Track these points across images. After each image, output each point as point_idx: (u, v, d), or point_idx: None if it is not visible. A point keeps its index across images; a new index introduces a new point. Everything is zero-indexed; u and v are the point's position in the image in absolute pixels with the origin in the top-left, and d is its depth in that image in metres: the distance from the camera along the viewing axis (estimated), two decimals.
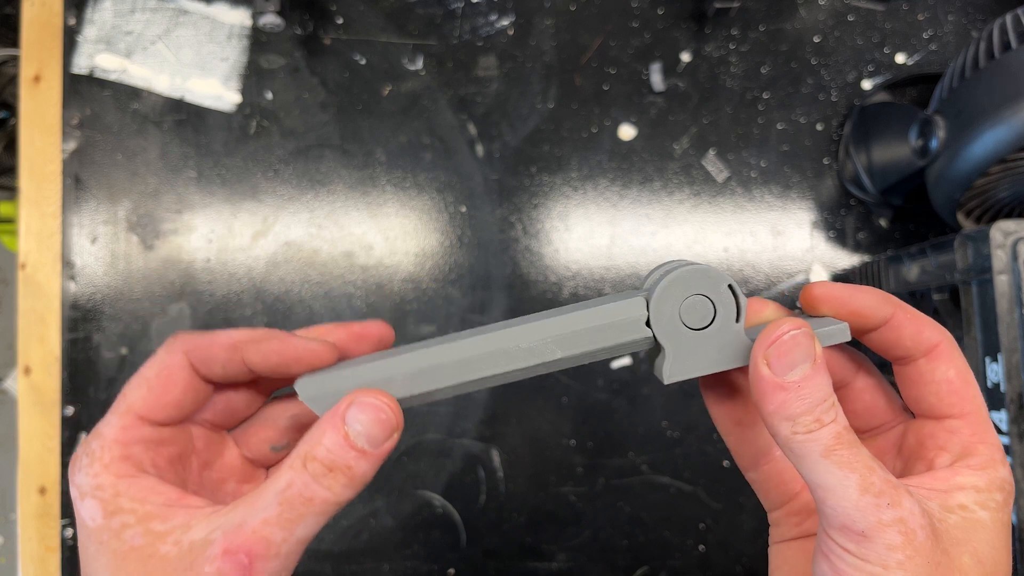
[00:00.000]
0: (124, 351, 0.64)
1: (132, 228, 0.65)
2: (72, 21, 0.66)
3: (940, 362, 0.25)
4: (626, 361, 0.64)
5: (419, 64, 0.66)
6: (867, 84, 0.67)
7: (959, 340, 0.47)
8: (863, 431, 0.28)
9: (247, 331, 0.26)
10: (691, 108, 0.66)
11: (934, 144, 0.53)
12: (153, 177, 0.65)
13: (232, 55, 0.66)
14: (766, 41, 0.67)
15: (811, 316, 0.27)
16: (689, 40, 0.67)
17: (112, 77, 0.66)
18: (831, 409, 0.23)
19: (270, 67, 0.66)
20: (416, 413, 0.64)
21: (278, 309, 0.64)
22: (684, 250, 0.65)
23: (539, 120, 0.66)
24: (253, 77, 0.66)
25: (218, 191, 0.65)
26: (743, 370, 0.27)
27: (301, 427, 0.29)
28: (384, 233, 0.65)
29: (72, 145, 0.65)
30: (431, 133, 0.66)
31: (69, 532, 0.63)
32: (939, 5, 0.68)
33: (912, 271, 0.53)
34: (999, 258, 0.43)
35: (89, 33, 0.66)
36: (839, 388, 0.28)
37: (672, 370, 0.25)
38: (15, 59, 1.31)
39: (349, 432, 0.23)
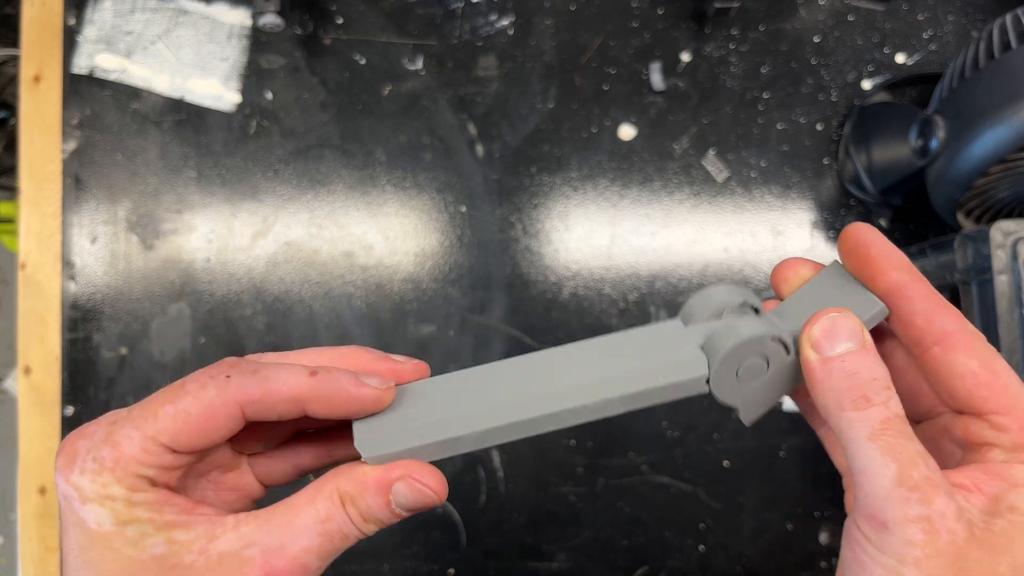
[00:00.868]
0: (124, 351, 0.64)
1: (132, 228, 0.65)
2: (72, 21, 0.66)
3: (958, 353, 0.23)
4: None
5: (419, 64, 0.66)
6: (867, 84, 0.67)
7: None
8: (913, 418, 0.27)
9: (304, 378, 0.24)
10: (691, 108, 0.66)
11: (934, 144, 0.53)
12: (153, 177, 0.65)
13: (232, 55, 0.66)
14: (766, 41, 0.67)
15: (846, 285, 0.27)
16: (689, 40, 0.67)
17: (112, 77, 0.66)
18: (883, 391, 0.22)
19: (270, 67, 0.66)
20: None
21: (278, 309, 0.64)
22: (684, 250, 0.65)
23: (539, 120, 0.66)
24: (253, 77, 0.66)
25: (218, 191, 0.65)
26: None
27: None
28: (384, 233, 0.65)
29: (72, 145, 0.65)
30: (431, 133, 0.66)
31: None
32: (939, 5, 0.68)
33: None
34: (999, 258, 0.43)
35: (89, 33, 0.66)
36: None
37: (747, 417, 0.27)
38: (15, 59, 1.31)
39: (393, 501, 0.25)
